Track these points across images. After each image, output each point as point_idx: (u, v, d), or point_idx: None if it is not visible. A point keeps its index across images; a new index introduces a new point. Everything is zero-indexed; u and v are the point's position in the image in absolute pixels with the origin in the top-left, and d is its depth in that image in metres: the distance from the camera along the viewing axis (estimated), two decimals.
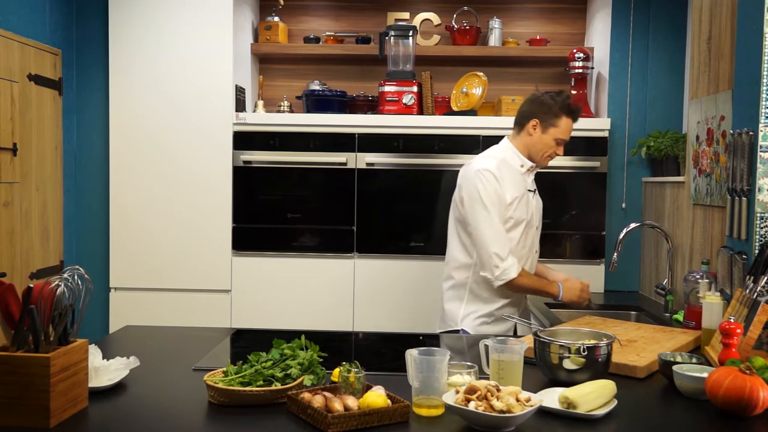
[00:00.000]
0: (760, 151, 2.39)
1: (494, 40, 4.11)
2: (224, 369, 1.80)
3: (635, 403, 1.82)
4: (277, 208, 3.87)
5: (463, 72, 4.08)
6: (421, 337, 2.48)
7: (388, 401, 1.62)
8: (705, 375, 1.79)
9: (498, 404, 1.54)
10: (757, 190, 2.40)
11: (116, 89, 3.86)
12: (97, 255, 4.02)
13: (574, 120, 2.75)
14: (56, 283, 1.62)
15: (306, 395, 1.63)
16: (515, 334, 2.76)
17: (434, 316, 2.96)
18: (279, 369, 1.77)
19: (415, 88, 3.88)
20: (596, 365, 1.88)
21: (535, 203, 2.84)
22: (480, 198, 2.64)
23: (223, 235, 3.86)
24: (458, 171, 2.86)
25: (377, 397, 1.61)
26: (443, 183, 3.76)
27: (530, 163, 2.76)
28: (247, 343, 2.45)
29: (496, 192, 2.65)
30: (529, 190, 2.79)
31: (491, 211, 2.64)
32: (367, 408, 1.58)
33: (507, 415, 1.52)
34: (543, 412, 1.66)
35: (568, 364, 1.87)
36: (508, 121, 3.81)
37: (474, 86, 3.97)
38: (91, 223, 4.05)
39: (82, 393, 1.65)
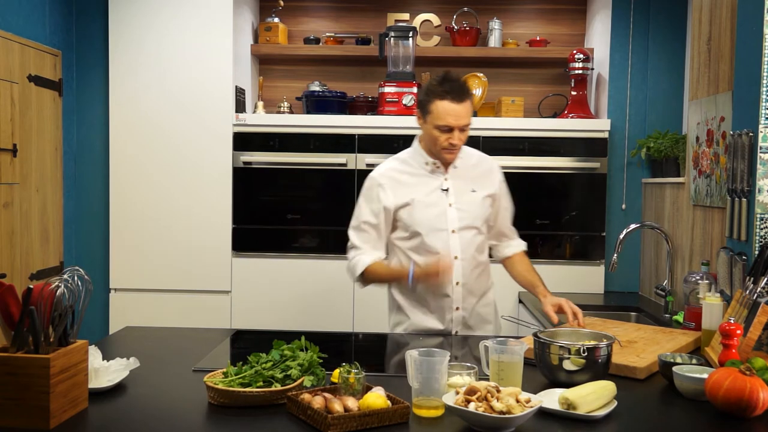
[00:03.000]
0: (760, 152, 2.39)
1: (494, 41, 4.11)
2: (224, 370, 1.80)
3: (635, 404, 1.82)
4: (277, 209, 3.87)
5: (463, 73, 4.07)
6: (420, 338, 2.49)
7: (388, 402, 1.62)
8: (705, 376, 1.79)
9: (498, 405, 1.53)
10: (757, 191, 2.40)
11: (116, 90, 3.86)
12: (97, 256, 4.02)
13: (452, 100, 2.38)
14: (56, 284, 1.62)
15: (306, 396, 1.63)
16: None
17: None
18: (279, 370, 1.76)
19: (415, 89, 3.88)
20: (596, 366, 1.88)
21: (455, 203, 2.53)
22: (353, 217, 2.61)
23: (223, 236, 3.86)
24: None
25: (377, 398, 1.61)
26: None
27: (433, 160, 2.53)
28: (247, 344, 2.45)
29: (374, 195, 2.54)
30: (443, 190, 2.53)
31: (361, 205, 2.57)
32: (367, 409, 1.58)
33: (507, 416, 1.52)
34: (543, 413, 1.66)
35: (568, 365, 1.87)
36: (508, 122, 3.83)
37: (474, 87, 3.98)
38: (91, 224, 4.05)
39: (81, 394, 1.65)
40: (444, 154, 2.47)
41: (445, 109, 2.38)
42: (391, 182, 2.54)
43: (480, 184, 2.57)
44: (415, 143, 2.59)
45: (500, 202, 2.65)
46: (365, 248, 2.53)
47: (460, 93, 2.39)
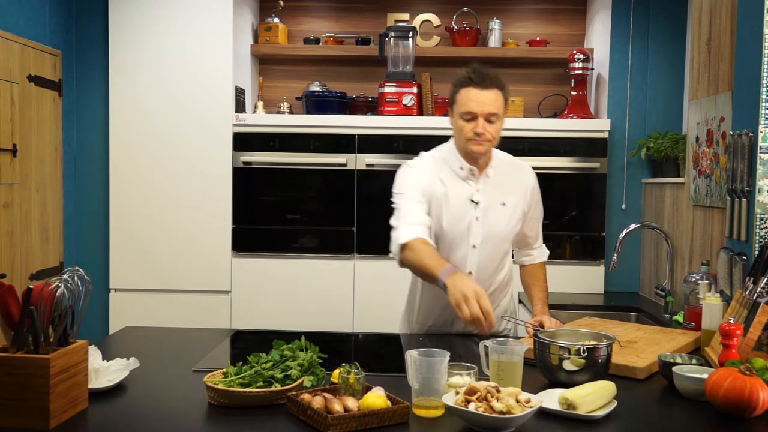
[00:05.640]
0: (760, 152, 2.39)
1: (494, 41, 4.11)
2: (224, 370, 1.80)
3: (635, 404, 1.81)
4: (277, 210, 3.88)
5: None
6: (420, 338, 2.48)
7: (388, 402, 1.62)
8: (705, 376, 1.79)
9: (498, 405, 1.53)
10: (756, 191, 2.40)
11: (116, 90, 3.86)
12: (97, 256, 4.02)
13: (476, 86, 2.27)
14: (56, 284, 1.62)
15: (306, 396, 1.63)
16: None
17: None
18: (279, 370, 1.76)
19: (414, 89, 3.89)
20: (596, 366, 1.87)
21: (482, 217, 2.37)
22: (396, 187, 2.38)
23: (222, 236, 3.86)
24: None
25: (377, 398, 1.61)
26: None
27: (468, 166, 2.36)
28: (246, 344, 2.45)
29: (415, 177, 2.36)
30: (473, 201, 2.37)
31: (404, 192, 2.34)
32: (367, 409, 1.58)
33: (507, 416, 1.52)
34: (543, 414, 1.66)
35: (568, 365, 1.87)
36: (508, 122, 3.79)
37: None
38: (91, 224, 4.05)
39: (81, 394, 1.65)
40: (470, 145, 2.29)
41: (468, 95, 2.27)
42: (432, 177, 2.37)
43: (512, 196, 2.42)
44: (451, 142, 2.43)
45: (530, 212, 2.50)
46: (412, 216, 2.28)
47: (485, 79, 2.26)
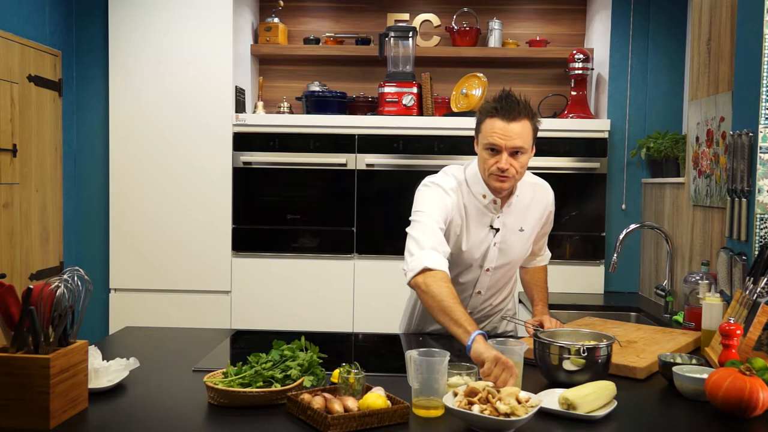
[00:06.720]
0: (760, 152, 2.39)
1: (494, 41, 4.11)
2: (224, 370, 1.80)
3: (635, 405, 1.82)
4: (277, 210, 3.88)
5: (462, 73, 4.08)
6: (420, 338, 2.48)
7: (388, 402, 1.62)
8: (705, 376, 1.79)
9: (503, 407, 1.53)
10: (756, 191, 2.40)
11: (116, 90, 3.86)
12: (97, 256, 4.02)
13: (502, 117, 2.13)
14: (56, 284, 1.62)
15: (306, 396, 1.63)
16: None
17: None
18: (279, 370, 1.76)
19: (414, 89, 3.89)
20: (596, 366, 1.87)
21: (500, 242, 2.32)
22: (417, 204, 2.25)
23: (222, 236, 3.86)
24: None
25: (377, 398, 1.61)
26: None
27: (492, 196, 2.25)
28: (246, 344, 2.45)
29: (439, 199, 2.23)
30: (492, 227, 2.30)
31: (426, 212, 2.21)
32: (367, 409, 1.58)
33: (511, 418, 1.51)
34: (543, 413, 1.66)
35: (568, 365, 1.87)
36: None
37: (474, 87, 3.98)
38: (91, 224, 4.05)
39: (81, 394, 1.65)
40: (492, 180, 2.18)
41: (492, 127, 2.13)
42: (457, 202, 2.26)
43: (530, 220, 2.37)
44: (476, 164, 2.28)
45: (542, 230, 2.49)
46: (437, 241, 2.15)
47: (512, 110, 2.13)
